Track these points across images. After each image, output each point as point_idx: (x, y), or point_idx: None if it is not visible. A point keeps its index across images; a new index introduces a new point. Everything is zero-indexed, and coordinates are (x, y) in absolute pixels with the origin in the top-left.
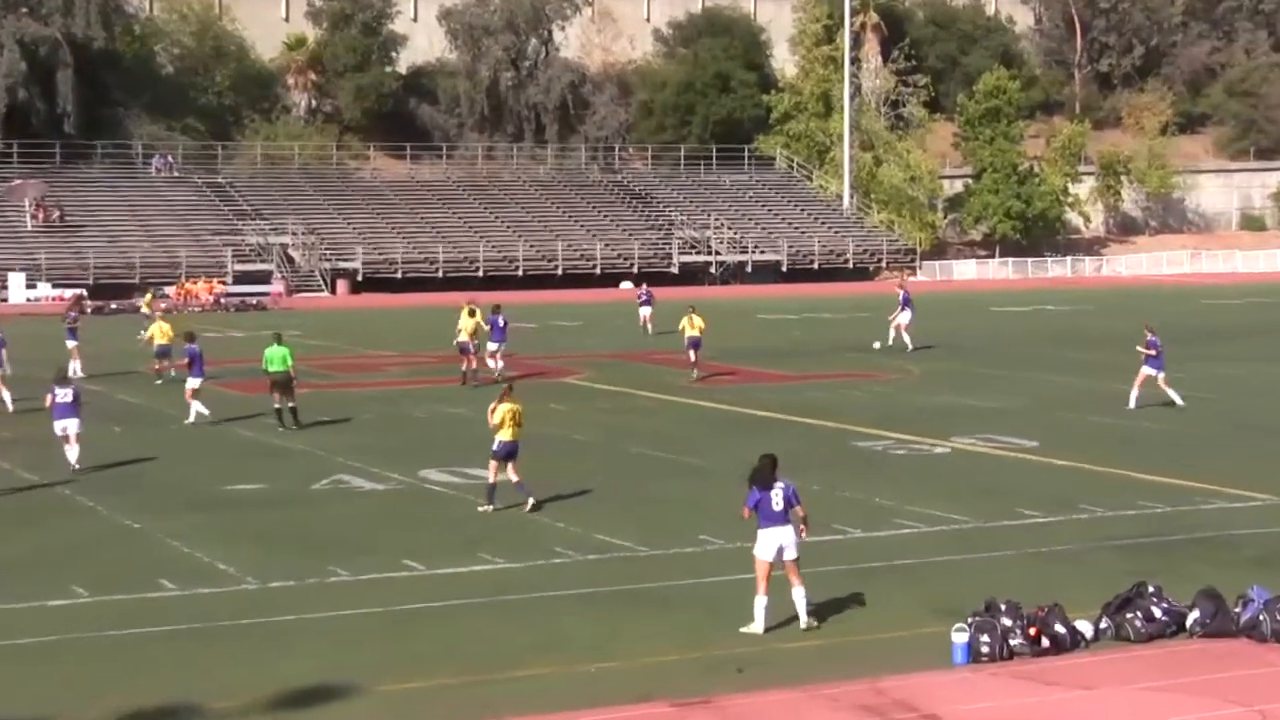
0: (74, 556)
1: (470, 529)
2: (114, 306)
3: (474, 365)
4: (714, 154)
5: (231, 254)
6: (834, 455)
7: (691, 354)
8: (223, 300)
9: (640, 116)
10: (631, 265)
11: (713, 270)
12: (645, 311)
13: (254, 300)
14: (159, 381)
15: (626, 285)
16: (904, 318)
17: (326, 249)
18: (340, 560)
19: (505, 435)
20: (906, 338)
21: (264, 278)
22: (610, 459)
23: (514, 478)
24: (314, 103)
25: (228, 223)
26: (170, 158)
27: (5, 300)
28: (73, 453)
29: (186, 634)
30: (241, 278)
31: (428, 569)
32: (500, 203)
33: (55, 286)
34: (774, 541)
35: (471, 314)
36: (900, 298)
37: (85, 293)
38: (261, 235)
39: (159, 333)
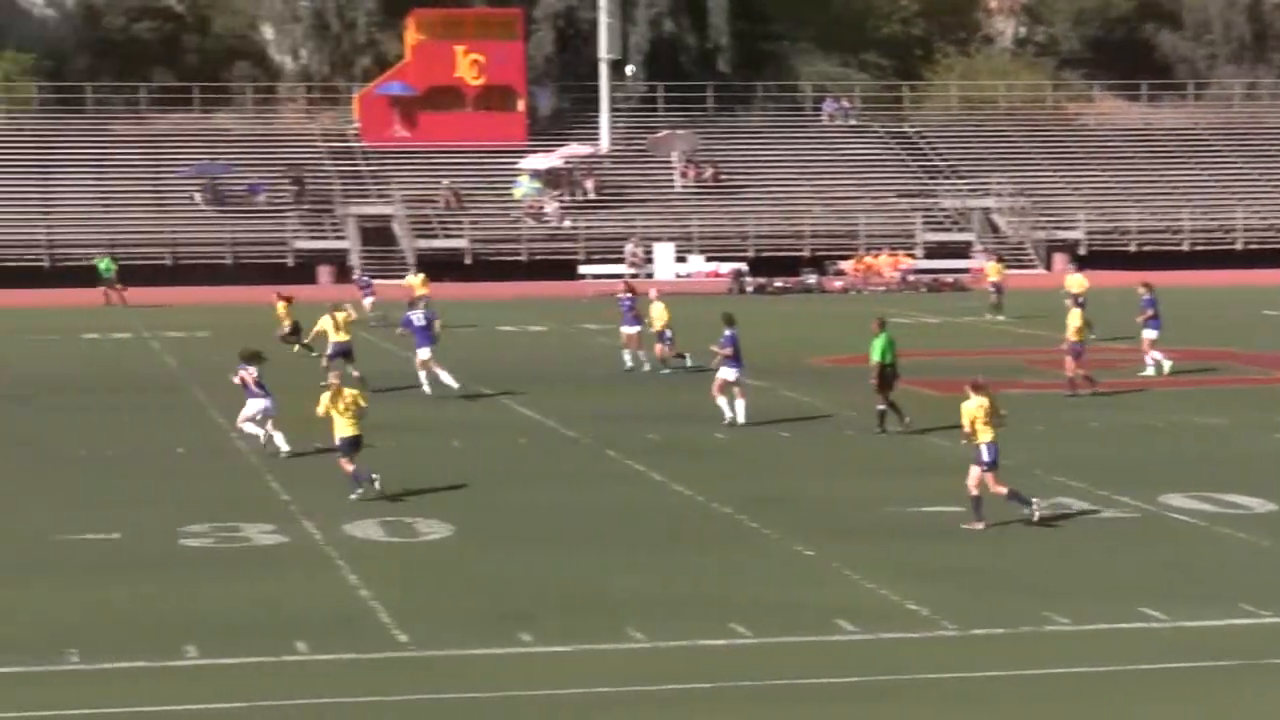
0: (733, 587)
1: (1228, 571)
2: (779, 284)
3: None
4: None
5: (922, 221)
6: None
7: None
8: (910, 278)
9: None
10: None
11: None
12: None
13: (950, 278)
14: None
15: None
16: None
17: (1041, 215)
18: (1061, 604)
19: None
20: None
21: (962, 250)
22: None
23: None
24: (1023, 31)
25: (917, 182)
26: (846, 102)
27: (650, 276)
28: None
29: (867, 687)
30: (934, 250)
31: (1171, 620)
32: (1267, 157)
33: (709, 260)
34: None
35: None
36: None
37: (745, 267)
38: (959, 197)
39: (659, 317)
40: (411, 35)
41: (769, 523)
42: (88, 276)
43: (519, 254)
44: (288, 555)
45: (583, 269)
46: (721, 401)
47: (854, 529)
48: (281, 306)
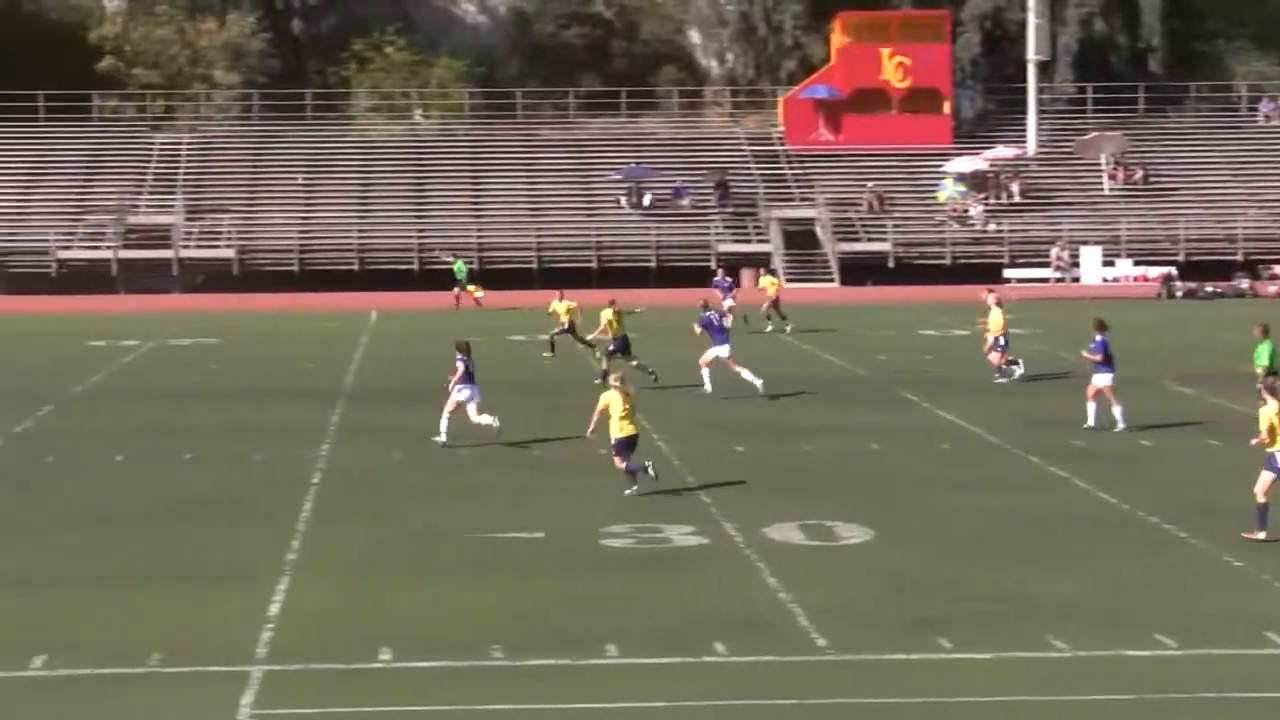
0: (1158, 597)
1: None
2: (1209, 289)
3: None
4: None
5: None
6: None
7: None
8: None
9: None
10: None
11: None
12: None
13: None
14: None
15: None
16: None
17: None
18: None
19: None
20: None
21: None
22: None
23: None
24: None
25: None
26: None
27: (1076, 280)
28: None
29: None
30: None
31: None
32: None
33: (1137, 264)
34: None
35: None
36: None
37: (1175, 272)
38: None
39: (995, 323)
40: (837, 38)
41: (1196, 531)
42: (517, 279)
43: (943, 257)
44: (707, 557)
45: (1008, 273)
46: (1090, 407)
47: None
48: (563, 306)
